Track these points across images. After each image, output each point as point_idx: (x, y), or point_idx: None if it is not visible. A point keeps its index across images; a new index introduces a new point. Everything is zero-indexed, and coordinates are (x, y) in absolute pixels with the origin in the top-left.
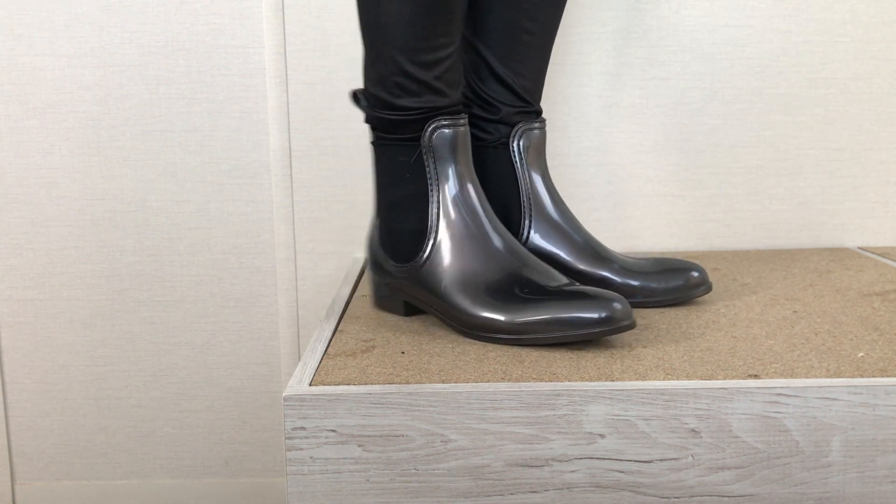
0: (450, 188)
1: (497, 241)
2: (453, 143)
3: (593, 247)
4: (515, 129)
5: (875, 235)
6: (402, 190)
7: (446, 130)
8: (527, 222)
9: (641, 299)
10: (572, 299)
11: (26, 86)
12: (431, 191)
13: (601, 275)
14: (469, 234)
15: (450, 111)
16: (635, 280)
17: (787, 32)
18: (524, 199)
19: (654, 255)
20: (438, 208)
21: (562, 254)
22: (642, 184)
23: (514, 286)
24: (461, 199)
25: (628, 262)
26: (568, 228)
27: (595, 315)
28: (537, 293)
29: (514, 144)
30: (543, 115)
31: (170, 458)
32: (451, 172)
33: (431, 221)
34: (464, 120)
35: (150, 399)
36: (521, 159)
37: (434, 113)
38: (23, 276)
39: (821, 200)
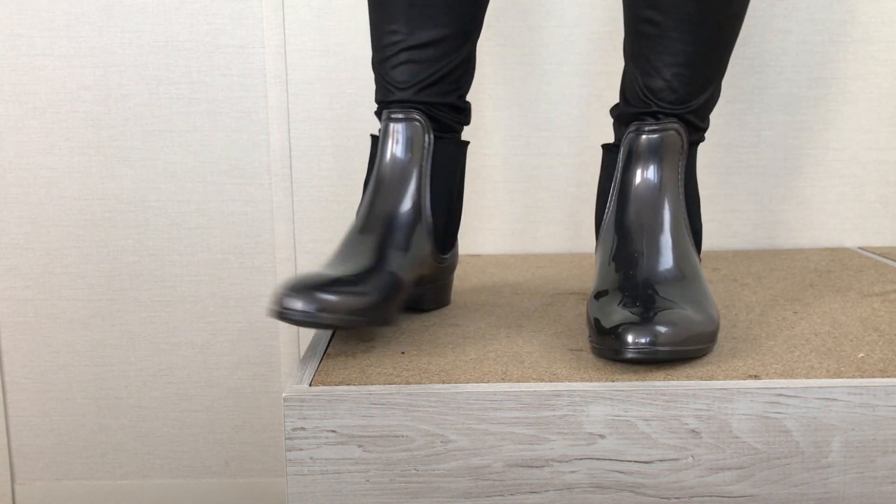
0: (374, 180)
1: (364, 241)
2: (389, 137)
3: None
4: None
5: (875, 235)
6: (367, 177)
7: (390, 124)
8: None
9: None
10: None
11: (26, 86)
12: (368, 180)
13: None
14: (355, 227)
15: (405, 105)
16: None
17: (787, 32)
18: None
19: None
20: (363, 198)
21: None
22: None
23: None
24: (374, 192)
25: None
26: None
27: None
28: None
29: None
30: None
31: (170, 458)
32: (380, 166)
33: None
34: (415, 115)
35: (150, 399)
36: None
37: (386, 105)
38: (23, 276)
39: (821, 200)
